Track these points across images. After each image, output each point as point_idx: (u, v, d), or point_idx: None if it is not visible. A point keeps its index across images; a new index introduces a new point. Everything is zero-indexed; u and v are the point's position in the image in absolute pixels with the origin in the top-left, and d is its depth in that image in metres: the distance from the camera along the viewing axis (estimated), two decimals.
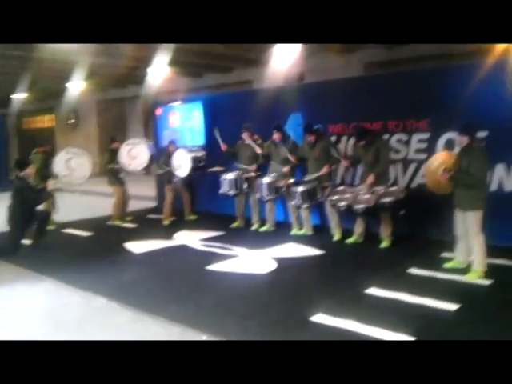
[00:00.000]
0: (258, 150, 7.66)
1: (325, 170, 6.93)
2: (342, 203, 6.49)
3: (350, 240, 6.77)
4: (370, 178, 6.30)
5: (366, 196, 6.25)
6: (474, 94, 6.06)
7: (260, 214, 8.01)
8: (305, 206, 7.04)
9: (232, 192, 7.74)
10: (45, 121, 22.40)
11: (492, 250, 5.26)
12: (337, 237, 7.01)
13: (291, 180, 7.29)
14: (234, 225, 8.16)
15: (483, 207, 5.07)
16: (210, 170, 8.29)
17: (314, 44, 9.79)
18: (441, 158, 5.54)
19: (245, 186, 7.72)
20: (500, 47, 7.15)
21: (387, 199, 6.14)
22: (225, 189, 7.77)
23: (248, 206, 8.09)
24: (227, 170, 7.96)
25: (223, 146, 7.96)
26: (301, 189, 6.94)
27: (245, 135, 7.77)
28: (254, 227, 7.96)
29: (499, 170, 6.05)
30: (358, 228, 6.76)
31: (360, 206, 6.26)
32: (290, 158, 7.21)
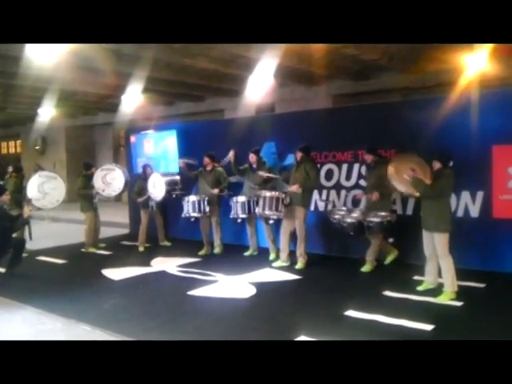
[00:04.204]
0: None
1: (294, 188, 6.89)
2: (336, 216, 6.74)
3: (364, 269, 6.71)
4: (376, 195, 6.47)
5: (355, 214, 6.55)
6: (439, 126, 6.45)
7: (222, 237, 8.19)
8: (269, 213, 6.99)
9: (195, 214, 7.87)
10: (11, 147, 22.12)
11: (459, 273, 5.57)
12: (300, 265, 7.02)
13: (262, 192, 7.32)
14: (202, 252, 8.21)
15: (449, 230, 5.38)
16: (174, 193, 8.45)
17: (284, 76, 10.19)
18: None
19: (207, 208, 7.88)
20: (463, 81, 7.69)
21: (374, 219, 6.39)
22: (188, 211, 7.91)
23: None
24: (188, 194, 8.18)
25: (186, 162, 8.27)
26: (268, 194, 7.03)
27: (205, 160, 8.06)
28: (216, 251, 8.10)
29: (465, 197, 6.45)
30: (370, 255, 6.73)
31: (349, 221, 6.53)
32: (269, 175, 7.40)
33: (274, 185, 7.59)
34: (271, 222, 7.22)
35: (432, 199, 5.40)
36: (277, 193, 7.07)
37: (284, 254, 7.19)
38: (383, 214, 6.43)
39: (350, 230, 6.59)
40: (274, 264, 7.24)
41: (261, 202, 7.09)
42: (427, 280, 5.71)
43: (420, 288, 5.69)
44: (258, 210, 7.22)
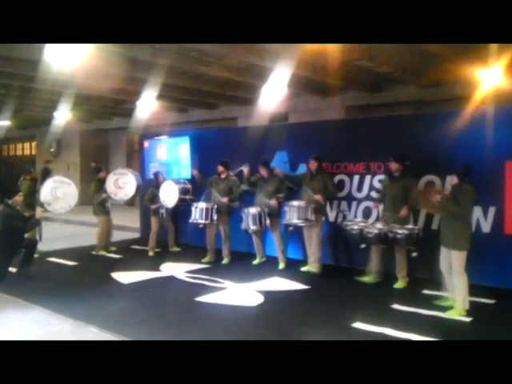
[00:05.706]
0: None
1: (318, 197, 7.13)
2: (355, 227, 6.63)
3: (365, 279, 6.69)
4: (405, 211, 6.30)
5: (379, 225, 6.44)
6: (452, 140, 6.43)
7: (230, 246, 8.15)
8: (294, 222, 7.10)
9: (202, 221, 7.87)
10: (26, 148, 22.44)
11: (470, 289, 5.51)
12: (315, 270, 7.16)
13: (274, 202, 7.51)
14: (205, 259, 8.17)
15: (467, 247, 5.33)
16: (186, 201, 8.51)
17: (298, 86, 10.24)
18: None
19: (215, 216, 7.88)
20: (477, 96, 7.67)
21: (400, 231, 6.17)
22: (195, 217, 7.92)
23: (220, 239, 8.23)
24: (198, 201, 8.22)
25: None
26: (295, 203, 7.10)
27: (219, 168, 8.04)
28: (224, 261, 8.07)
29: (477, 212, 6.40)
30: (374, 266, 6.67)
31: (372, 231, 6.38)
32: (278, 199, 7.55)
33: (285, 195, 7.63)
34: (291, 228, 7.30)
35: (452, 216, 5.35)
36: (303, 202, 7.11)
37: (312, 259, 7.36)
38: (410, 226, 6.26)
39: (374, 240, 6.39)
40: (303, 268, 7.37)
41: (289, 211, 7.14)
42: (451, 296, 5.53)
43: (442, 303, 5.56)
44: (286, 218, 7.24)
